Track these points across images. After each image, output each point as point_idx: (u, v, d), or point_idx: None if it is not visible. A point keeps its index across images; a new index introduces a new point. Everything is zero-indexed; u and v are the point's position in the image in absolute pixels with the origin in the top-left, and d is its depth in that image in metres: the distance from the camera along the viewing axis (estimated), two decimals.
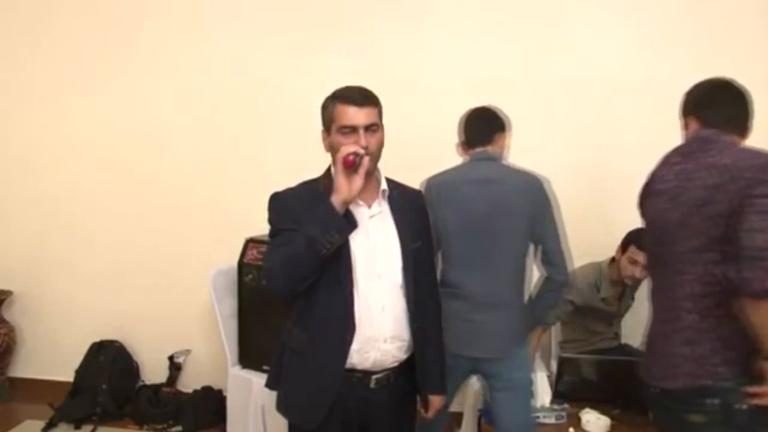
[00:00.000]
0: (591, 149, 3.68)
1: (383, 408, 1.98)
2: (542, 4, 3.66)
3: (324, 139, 1.95)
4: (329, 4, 3.78)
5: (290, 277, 1.84)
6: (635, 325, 3.60)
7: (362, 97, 1.89)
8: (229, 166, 3.89)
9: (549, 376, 2.75)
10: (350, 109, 1.86)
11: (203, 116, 3.91)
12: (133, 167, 4.00)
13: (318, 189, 1.92)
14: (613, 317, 3.31)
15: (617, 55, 3.63)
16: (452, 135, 3.67)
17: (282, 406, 2.04)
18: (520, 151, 3.70)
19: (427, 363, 2.04)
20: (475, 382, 2.94)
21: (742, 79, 3.53)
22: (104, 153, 4.03)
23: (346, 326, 1.88)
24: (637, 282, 3.15)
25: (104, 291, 4.06)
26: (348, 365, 1.91)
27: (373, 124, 1.88)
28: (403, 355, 1.98)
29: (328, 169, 1.96)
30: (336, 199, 1.80)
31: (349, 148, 1.81)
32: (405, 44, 3.73)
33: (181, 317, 3.97)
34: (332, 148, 1.90)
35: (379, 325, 1.92)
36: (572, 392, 2.61)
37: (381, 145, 1.92)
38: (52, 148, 4.07)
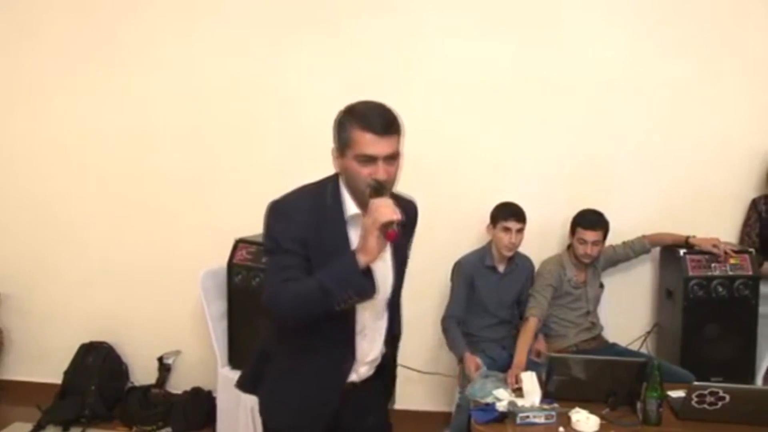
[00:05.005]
0: (586, 149, 3.71)
1: (352, 408, 1.95)
2: (537, 5, 3.68)
3: (335, 158, 1.81)
4: (317, 4, 3.77)
5: (296, 315, 1.77)
6: (622, 325, 3.64)
7: (385, 125, 1.72)
8: (218, 166, 3.88)
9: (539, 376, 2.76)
10: (371, 138, 1.70)
11: (191, 117, 3.90)
12: (122, 169, 3.98)
13: (323, 199, 1.82)
14: (586, 305, 3.42)
15: (613, 57, 3.67)
16: (444, 137, 3.71)
17: (268, 413, 2.02)
18: (516, 152, 3.74)
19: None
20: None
21: (737, 80, 3.60)
22: (92, 155, 4.00)
23: (348, 354, 1.87)
24: (593, 259, 3.38)
25: (93, 292, 4.04)
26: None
27: (393, 154, 1.74)
28: (372, 371, 2.00)
29: (335, 178, 1.85)
30: (361, 259, 1.65)
31: (386, 214, 1.62)
32: (396, 43, 3.73)
33: (170, 318, 3.96)
34: (346, 173, 1.77)
35: (362, 352, 1.91)
36: (562, 392, 2.61)
37: (399, 172, 1.80)
38: (40, 150, 4.05)
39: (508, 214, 3.33)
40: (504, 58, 3.69)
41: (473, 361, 3.11)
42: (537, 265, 3.51)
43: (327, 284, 1.66)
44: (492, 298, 3.41)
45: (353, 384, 1.94)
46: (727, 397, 2.41)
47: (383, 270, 1.86)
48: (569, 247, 3.47)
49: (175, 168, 3.92)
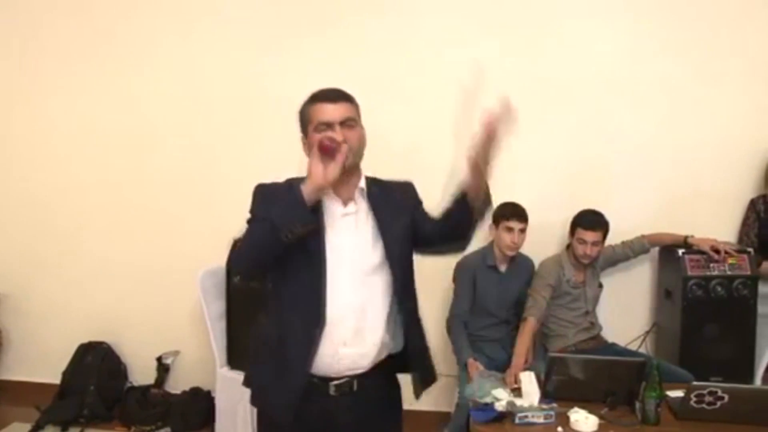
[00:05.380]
0: (586, 149, 3.71)
1: (347, 417, 1.91)
2: (536, 6, 3.68)
3: (304, 145, 1.93)
4: (316, 5, 3.77)
5: (250, 259, 1.85)
6: (621, 324, 3.64)
7: (336, 94, 1.89)
8: (217, 166, 3.87)
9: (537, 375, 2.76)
10: (325, 106, 1.86)
11: (190, 117, 3.90)
12: (121, 169, 3.98)
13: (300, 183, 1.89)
14: (585, 304, 3.42)
15: (612, 57, 3.68)
16: (444, 137, 3.70)
17: (252, 397, 2.03)
18: (516, 151, 3.73)
19: (415, 362, 2.02)
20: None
21: (736, 80, 3.60)
22: (92, 155, 4.01)
23: (316, 322, 1.84)
24: (592, 260, 3.38)
25: (92, 292, 4.04)
26: (319, 365, 1.87)
27: (348, 119, 1.86)
28: (367, 362, 1.91)
29: None
30: (307, 187, 1.75)
31: (325, 134, 1.80)
32: (395, 44, 3.73)
33: (169, 318, 3.96)
34: (311, 149, 1.86)
35: (347, 326, 1.87)
36: (560, 391, 2.61)
37: (361, 141, 1.91)
38: (40, 149, 4.05)
39: (510, 213, 3.34)
40: (504, 59, 3.68)
41: (476, 366, 3.12)
42: (536, 265, 3.50)
43: (274, 215, 1.75)
44: (493, 298, 3.41)
45: (350, 385, 1.91)
46: (726, 397, 2.41)
47: (358, 238, 1.91)
48: (568, 247, 3.47)
49: (173, 168, 3.92)
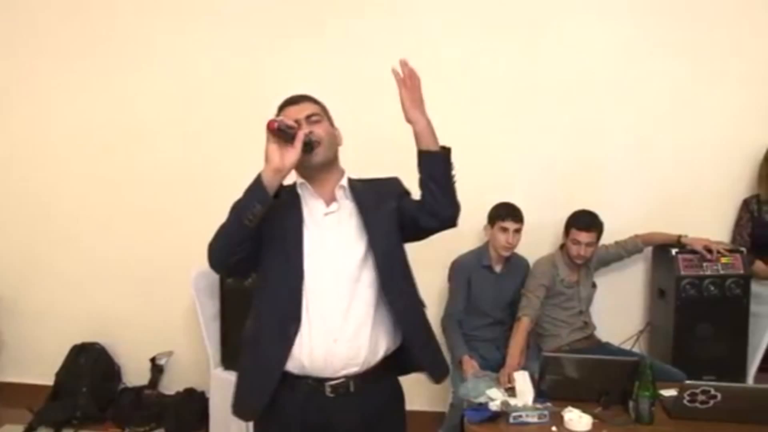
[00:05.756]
0: (580, 149, 3.73)
1: (346, 418, 1.90)
2: (531, 6, 3.69)
3: None
4: (314, 4, 3.77)
5: (220, 248, 1.87)
6: (614, 324, 3.65)
7: (299, 96, 1.97)
8: (212, 166, 3.86)
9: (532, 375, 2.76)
10: (289, 109, 1.94)
11: (185, 117, 3.89)
12: (114, 169, 3.96)
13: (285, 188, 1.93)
14: (579, 304, 3.43)
15: (607, 57, 3.69)
16: (439, 137, 3.69)
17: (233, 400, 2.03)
18: (512, 152, 3.74)
19: (421, 355, 2.01)
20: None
21: (729, 80, 3.62)
22: (85, 155, 3.99)
23: (293, 318, 1.86)
24: (586, 260, 3.39)
25: (85, 293, 4.02)
26: (299, 370, 1.87)
27: (312, 114, 1.92)
28: (360, 359, 1.89)
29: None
30: (265, 170, 1.80)
31: (272, 120, 1.83)
32: (392, 43, 3.71)
33: (163, 319, 3.95)
34: None
35: (331, 326, 1.87)
36: (554, 391, 2.62)
37: (331, 136, 1.95)
38: (33, 150, 4.03)
39: (505, 214, 3.35)
40: (499, 59, 3.70)
41: (471, 364, 3.12)
42: (531, 265, 3.51)
43: (238, 201, 1.83)
44: (488, 298, 3.42)
45: (346, 386, 1.90)
46: (719, 396, 2.42)
47: (340, 237, 1.92)
48: (562, 246, 3.48)
49: (167, 168, 3.91)
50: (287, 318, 1.87)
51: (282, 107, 1.98)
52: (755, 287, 3.36)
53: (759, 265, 3.42)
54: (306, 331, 1.86)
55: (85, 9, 3.93)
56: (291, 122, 1.84)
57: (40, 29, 3.97)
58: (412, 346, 1.99)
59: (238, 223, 1.80)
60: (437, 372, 2.09)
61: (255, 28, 3.80)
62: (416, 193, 2.00)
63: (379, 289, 1.92)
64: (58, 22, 3.96)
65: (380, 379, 1.96)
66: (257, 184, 1.80)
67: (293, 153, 1.80)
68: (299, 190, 1.95)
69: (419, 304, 2.09)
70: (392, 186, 2.07)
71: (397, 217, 1.98)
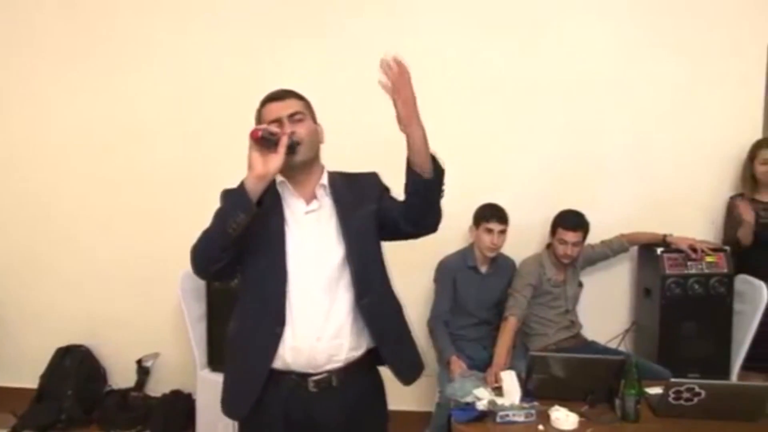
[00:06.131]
0: (566, 150, 3.75)
1: (329, 413, 1.92)
2: (521, 7, 3.71)
3: None
4: (312, 4, 3.77)
5: (203, 255, 1.87)
6: (601, 323, 3.67)
7: (282, 92, 1.96)
8: (199, 166, 3.84)
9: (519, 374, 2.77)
10: (272, 105, 1.93)
11: (180, 117, 3.86)
12: (101, 171, 3.93)
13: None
14: (565, 303, 3.45)
15: (595, 58, 3.71)
16: (437, 135, 3.70)
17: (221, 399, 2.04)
18: (499, 152, 3.75)
19: (391, 355, 2.01)
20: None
21: (716, 82, 3.65)
22: (70, 159, 3.96)
23: (278, 318, 1.87)
24: (572, 260, 3.40)
25: (70, 294, 3.99)
26: (282, 365, 1.88)
27: (296, 113, 1.91)
28: (342, 355, 1.91)
29: None
30: (248, 177, 1.79)
31: (259, 125, 1.84)
32: (385, 43, 3.71)
33: (149, 320, 3.92)
34: None
35: (315, 324, 1.88)
36: (541, 390, 2.63)
37: (313, 135, 1.94)
38: (21, 153, 3.99)
39: (490, 215, 3.36)
40: (491, 59, 3.71)
41: (459, 364, 3.13)
42: (517, 265, 3.52)
43: (221, 208, 1.85)
44: (473, 299, 3.42)
45: (329, 380, 1.91)
46: (703, 393, 2.44)
47: (320, 235, 1.92)
48: (549, 246, 3.49)
49: (156, 169, 3.88)
50: (271, 319, 1.87)
51: (265, 102, 1.96)
52: (738, 285, 3.39)
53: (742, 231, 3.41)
54: (290, 332, 1.87)
55: (84, 8, 3.90)
56: (274, 129, 1.83)
57: (38, 29, 3.93)
58: (381, 346, 1.99)
59: (222, 231, 1.80)
60: (405, 373, 2.06)
61: (254, 28, 3.78)
62: (397, 190, 2.00)
63: (352, 287, 1.93)
64: (56, 22, 3.92)
65: (362, 374, 1.98)
66: (240, 192, 1.79)
67: (277, 159, 1.80)
68: (279, 189, 1.95)
69: (394, 305, 2.09)
70: (372, 184, 2.06)
71: (377, 219, 1.98)
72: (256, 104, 2.13)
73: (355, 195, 1.99)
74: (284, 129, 1.86)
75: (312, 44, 3.75)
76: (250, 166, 1.79)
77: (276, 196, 1.93)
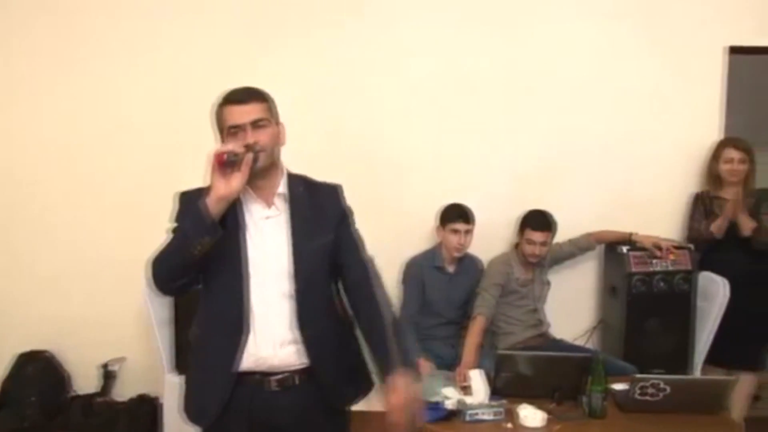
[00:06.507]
0: (534, 149, 3.78)
1: (291, 412, 1.90)
2: (490, 10, 3.73)
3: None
4: (294, 5, 3.74)
5: (165, 274, 1.84)
6: (568, 321, 3.71)
7: (245, 94, 1.86)
8: (164, 169, 3.78)
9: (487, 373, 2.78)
10: (234, 109, 1.84)
11: (147, 123, 3.79)
12: (65, 174, 3.85)
13: None
14: (533, 302, 3.48)
15: (561, 61, 3.75)
16: (396, 137, 3.71)
17: (183, 407, 2.00)
18: (467, 151, 3.77)
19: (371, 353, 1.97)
20: None
21: (678, 81, 3.72)
22: (32, 159, 3.87)
23: (239, 327, 1.84)
24: (540, 259, 3.43)
25: (32, 298, 3.89)
26: (244, 368, 1.86)
27: (259, 120, 1.84)
28: (302, 360, 1.88)
29: None
30: (210, 199, 1.74)
31: (223, 146, 1.78)
32: (361, 42, 3.71)
33: (114, 324, 3.85)
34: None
35: (273, 330, 1.86)
36: (509, 388, 2.64)
37: (274, 140, 1.88)
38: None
39: (455, 216, 3.37)
40: (454, 62, 3.72)
41: (426, 366, 3.13)
42: (485, 264, 3.54)
43: (183, 228, 1.79)
44: (441, 299, 3.43)
45: (286, 380, 1.89)
46: (668, 388, 2.48)
47: (278, 240, 1.88)
48: (516, 245, 3.51)
49: (120, 171, 3.81)
50: (233, 327, 1.85)
51: (225, 102, 1.87)
52: (701, 282, 3.45)
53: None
54: (252, 339, 1.85)
55: (61, 8, 3.80)
56: (238, 149, 1.76)
57: (15, 30, 3.82)
58: (317, 367, 1.92)
59: (185, 253, 1.76)
60: (332, 398, 1.98)
61: (240, 30, 3.73)
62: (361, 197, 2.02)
63: (301, 295, 1.88)
64: (33, 23, 3.80)
65: (324, 373, 1.95)
66: (203, 213, 1.74)
67: (240, 178, 1.76)
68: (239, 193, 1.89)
69: (338, 330, 2.01)
70: (334, 204, 2.00)
71: (330, 251, 1.94)
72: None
73: (315, 211, 1.94)
74: (246, 136, 1.80)
75: (291, 44, 3.72)
76: (213, 187, 1.75)
77: (235, 200, 1.87)
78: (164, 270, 1.84)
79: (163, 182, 3.70)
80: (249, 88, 1.90)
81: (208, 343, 1.91)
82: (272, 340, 1.86)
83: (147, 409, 3.69)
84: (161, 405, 3.57)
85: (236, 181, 1.75)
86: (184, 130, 3.76)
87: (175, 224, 1.90)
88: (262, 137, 1.83)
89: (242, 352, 1.84)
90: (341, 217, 1.99)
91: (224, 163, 1.73)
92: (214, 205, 1.74)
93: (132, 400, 3.75)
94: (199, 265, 1.81)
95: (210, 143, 3.72)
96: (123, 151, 3.82)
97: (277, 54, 3.71)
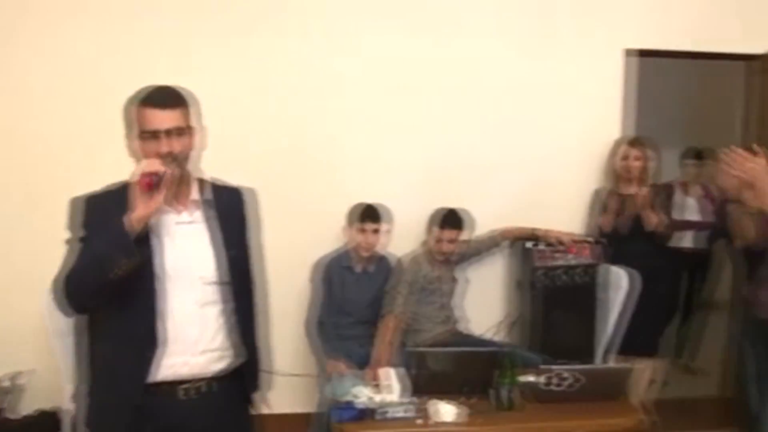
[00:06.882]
0: (444, 148, 3.81)
1: (203, 420, 1.85)
2: (407, 8, 3.74)
3: (127, 145, 1.79)
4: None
5: (76, 292, 1.72)
6: (476, 316, 3.78)
7: (165, 98, 1.75)
8: (59, 173, 3.60)
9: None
10: (153, 113, 1.72)
11: (42, 122, 3.59)
12: None
13: (124, 190, 1.75)
14: (442, 299, 3.52)
15: (471, 59, 3.79)
16: (307, 136, 3.66)
17: (87, 422, 1.90)
18: (377, 150, 3.77)
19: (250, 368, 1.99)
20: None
21: (577, 82, 3.84)
22: None
23: (149, 340, 1.76)
24: (449, 257, 3.48)
25: None
26: (156, 379, 1.78)
27: (177, 128, 1.74)
28: (217, 366, 1.86)
29: None
30: (130, 219, 1.65)
31: (147, 166, 1.67)
32: (272, 42, 3.64)
33: (10, 336, 3.64)
34: (135, 155, 1.75)
35: (187, 340, 1.80)
36: (420, 385, 2.66)
37: (188, 149, 1.79)
38: None
39: (363, 215, 3.37)
40: (364, 59, 3.71)
41: (337, 366, 3.11)
42: (394, 262, 3.56)
43: (97, 250, 1.66)
44: (351, 299, 3.42)
45: (197, 389, 1.84)
46: (572, 377, 2.57)
47: (199, 247, 1.83)
48: (425, 243, 3.55)
49: (13, 173, 3.60)
50: (143, 341, 1.76)
51: (144, 102, 1.74)
52: (602, 275, 3.58)
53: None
54: (161, 351, 1.78)
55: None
56: (160, 169, 1.67)
57: None
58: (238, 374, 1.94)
59: (103, 275, 1.66)
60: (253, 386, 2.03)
61: (171, 30, 3.55)
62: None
63: (225, 300, 1.87)
64: None
65: (232, 381, 1.92)
66: (122, 234, 1.64)
67: (161, 196, 1.67)
68: None
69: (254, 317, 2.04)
70: (239, 210, 1.99)
71: (242, 255, 1.96)
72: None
73: (226, 216, 1.91)
74: (161, 145, 1.71)
75: (215, 43, 3.59)
76: (134, 209, 1.66)
77: None
78: (77, 291, 1.72)
79: (59, 187, 3.54)
80: (171, 89, 1.79)
81: (114, 359, 1.81)
82: (189, 349, 1.80)
83: (46, 423, 3.51)
84: (62, 421, 3.40)
85: (157, 200, 1.67)
86: (78, 137, 3.59)
87: (81, 233, 1.77)
88: (178, 147, 1.74)
89: (155, 364, 1.77)
90: (243, 225, 1.98)
91: (149, 189, 1.65)
92: (134, 225, 1.66)
93: (29, 417, 3.56)
94: (120, 284, 1.70)
95: (96, 147, 3.56)
96: (14, 158, 3.60)
97: (187, 51, 3.56)
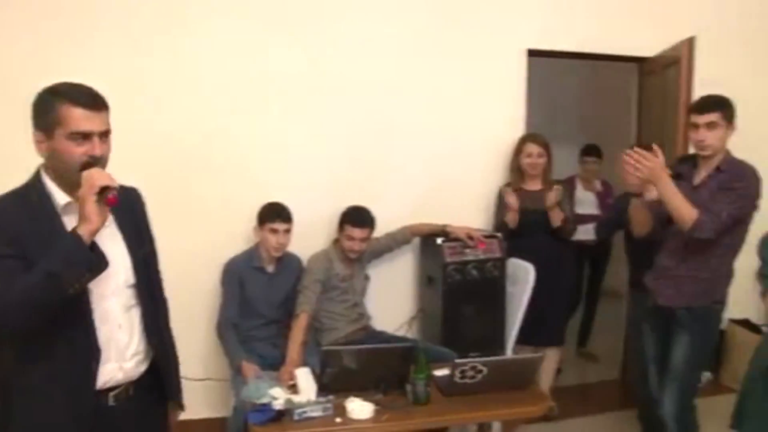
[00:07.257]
0: (354, 147, 3.82)
1: (128, 424, 1.82)
2: (306, 5, 3.69)
3: (40, 142, 1.69)
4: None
5: (27, 315, 1.61)
6: (388, 313, 3.80)
7: (95, 99, 1.70)
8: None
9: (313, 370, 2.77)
10: (84, 113, 1.66)
11: None
12: None
13: (28, 199, 1.70)
14: (353, 297, 3.53)
15: (380, 58, 3.82)
16: (217, 135, 3.56)
17: None
18: (287, 149, 3.70)
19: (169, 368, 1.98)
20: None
21: (491, 81, 3.92)
22: None
23: (93, 350, 1.71)
24: (360, 255, 3.49)
25: None
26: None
27: (107, 131, 1.72)
28: (141, 369, 1.86)
29: (36, 174, 1.74)
30: (83, 231, 1.60)
31: (101, 179, 1.62)
32: (165, 41, 3.49)
33: None
34: (55, 155, 1.68)
35: (119, 345, 1.78)
36: (336, 383, 2.65)
37: (110, 151, 1.77)
38: None
39: (273, 215, 3.32)
40: (271, 59, 3.64)
41: (251, 369, 3.06)
42: (305, 261, 3.52)
43: (53, 268, 1.58)
44: (261, 299, 3.37)
45: (126, 393, 1.82)
46: (485, 370, 2.62)
47: (116, 251, 1.80)
48: (336, 241, 3.53)
49: None
50: (87, 351, 1.71)
51: (72, 101, 1.66)
52: (510, 269, 3.68)
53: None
54: (102, 359, 1.75)
55: None
56: (115, 183, 1.65)
57: None
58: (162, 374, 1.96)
59: (57, 291, 1.58)
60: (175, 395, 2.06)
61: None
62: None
63: (144, 301, 1.87)
64: None
65: (148, 382, 1.90)
66: (80, 248, 1.59)
67: (105, 212, 1.65)
68: (60, 212, 1.72)
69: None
70: (141, 210, 1.97)
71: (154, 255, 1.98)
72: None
73: (133, 218, 1.91)
74: (94, 147, 1.67)
75: (120, 42, 3.42)
76: (90, 219, 1.60)
77: (56, 217, 1.71)
78: (30, 314, 1.61)
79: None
80: (93, 89, 1.72)
81: (54, 379, 1.71)
82: (122, 354, 1.79)
83: None
84: None
85: (106, 211, 1.65)
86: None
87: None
88: (105, 149, 1.72)
89: (97, 375, 1.73)
90: (147, 225, 1.98)
91: (115, 203, 1.64)
92: (88, 238, 1.61)
93: None
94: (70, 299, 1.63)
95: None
96: None
97: (88, 47, 3.38)
